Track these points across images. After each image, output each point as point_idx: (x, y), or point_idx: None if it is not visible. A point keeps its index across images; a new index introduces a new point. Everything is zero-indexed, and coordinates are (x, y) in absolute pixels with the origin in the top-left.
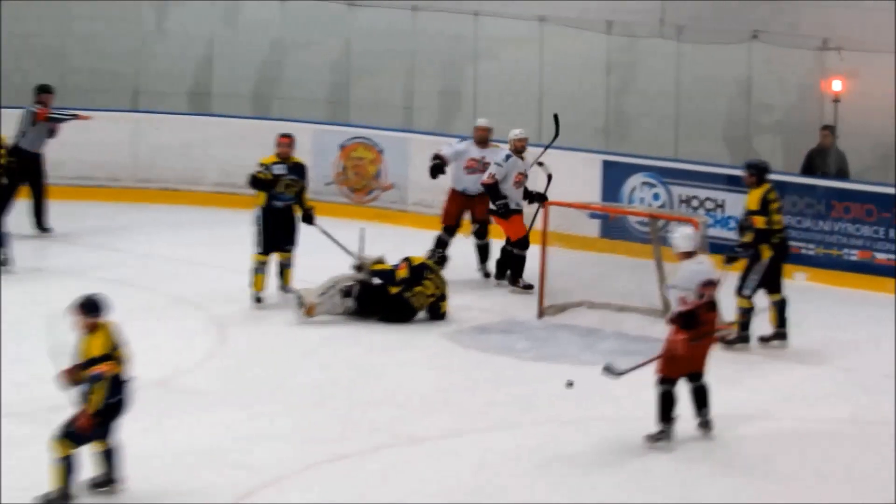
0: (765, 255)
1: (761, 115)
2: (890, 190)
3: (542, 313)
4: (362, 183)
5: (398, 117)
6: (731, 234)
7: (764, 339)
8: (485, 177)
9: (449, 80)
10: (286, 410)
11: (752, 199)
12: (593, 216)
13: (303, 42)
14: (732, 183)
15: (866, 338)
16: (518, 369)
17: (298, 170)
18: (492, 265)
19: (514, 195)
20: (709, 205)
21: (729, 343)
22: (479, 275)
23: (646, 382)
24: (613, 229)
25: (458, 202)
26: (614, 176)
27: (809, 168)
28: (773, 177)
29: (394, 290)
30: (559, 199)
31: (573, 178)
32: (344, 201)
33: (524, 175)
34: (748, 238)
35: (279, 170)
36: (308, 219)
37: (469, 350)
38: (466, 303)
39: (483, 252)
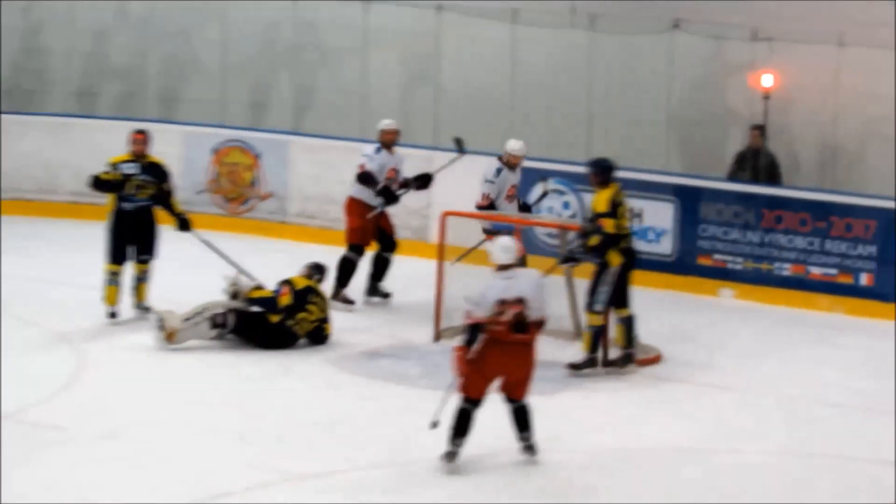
0: (614, 262)
1: (684, 113)
2: (826, 197)
3: (438, 336)
4: (237, 191)
5: (278, 118)
6: (650, 248)
7: (610, 363)
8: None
9: (335, 76)
10: (151, 447)
11: (600, 200)
12: (496, 228)
13: (174, 34)
14: (652, 190)
15: (784, 361)
16: (410, 398)
17: (155, 170)
18: (392, 285)
19: (507, 211)
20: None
21: (577, 368)
22: (371, 298)
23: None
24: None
25: (370, 217)
26: (520, 182)
27: (737, 172)
28: (698, 182)
29: (275, 318)
30: (456, 209)
31: (472, 184)
32: (217, 212)
33: (516, 188)
34: (594, 241)
35: (130, 169)
36: (183, 226)
37: (356, 377)
38: (354, 325)
39: (384, 269)
